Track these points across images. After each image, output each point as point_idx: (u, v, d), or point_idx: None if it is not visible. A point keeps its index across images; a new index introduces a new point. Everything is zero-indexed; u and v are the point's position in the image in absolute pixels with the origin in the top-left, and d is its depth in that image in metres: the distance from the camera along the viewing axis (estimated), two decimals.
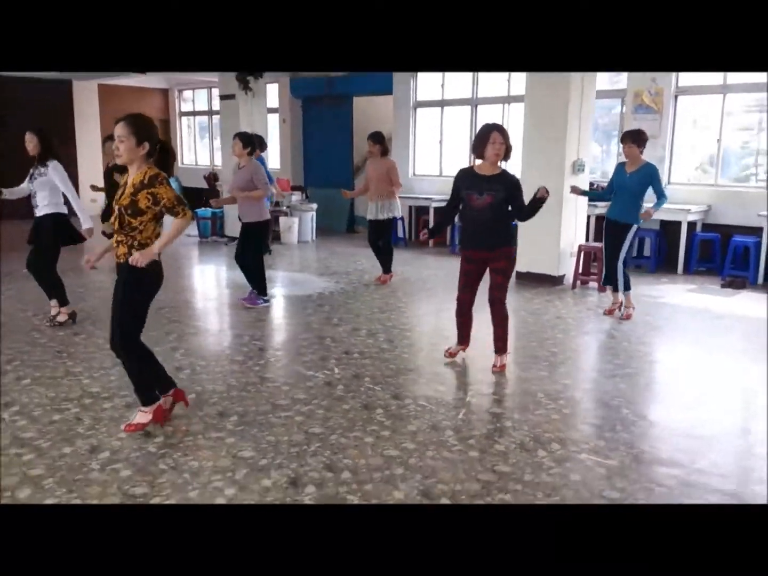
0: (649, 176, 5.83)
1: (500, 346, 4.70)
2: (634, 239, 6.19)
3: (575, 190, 6.39)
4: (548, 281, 7.47)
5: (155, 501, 2.91)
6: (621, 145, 6.04)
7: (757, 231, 7.72)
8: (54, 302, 5.71)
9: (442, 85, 10.93)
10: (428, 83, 11.14)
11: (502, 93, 10.29)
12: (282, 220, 10.75)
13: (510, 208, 4.50)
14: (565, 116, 7.19)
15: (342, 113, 12.27)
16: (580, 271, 7.48)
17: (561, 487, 3.06)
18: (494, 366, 4.68)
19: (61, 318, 5.70)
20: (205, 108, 15.58)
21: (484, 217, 4.44)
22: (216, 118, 15.43)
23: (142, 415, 3.57)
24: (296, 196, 11.52)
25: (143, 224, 3.38)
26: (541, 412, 3.95)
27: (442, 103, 11.00)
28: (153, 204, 3.33)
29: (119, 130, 3.29)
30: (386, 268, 7.58)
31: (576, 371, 4.88)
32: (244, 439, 3.52)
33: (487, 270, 4.61)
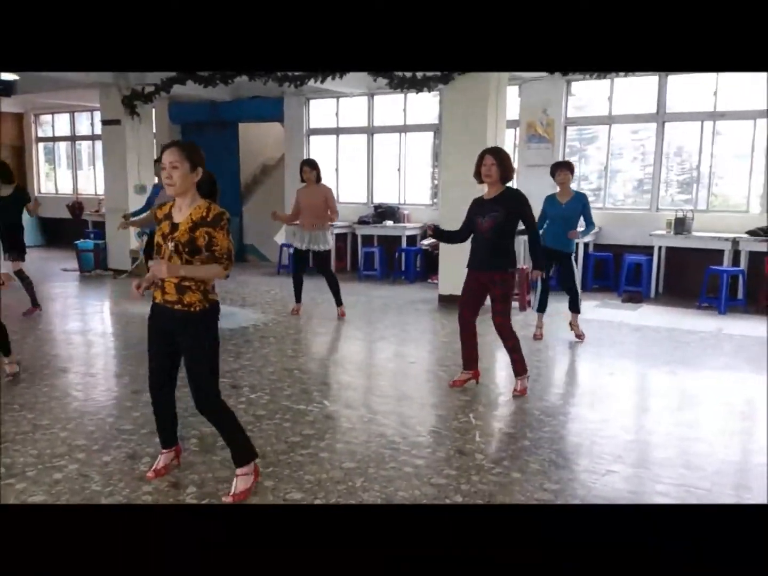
0: (583, 205, 6.10)
1: (518, 369, 4.70)
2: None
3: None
4: None
5: None
6: (554, 176, 6.19)
7: (647, 249, 8.45)
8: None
9: (336, 113, 10.98)
10: (321, 110, 11.13)
11: (398, 122, 10.50)
12: None
13: (522, 221, 4.64)
14: (483, 142, 7.46)
15: (227, 139, 11.91)
16: None
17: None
18: (515, 390, 4.68)
19: (10, 369, 4.91)
20: (67, 133, 14.47)
21: (485, 240, 4.58)
22: (80, 144, 14.42)
23: (246, 479, 3.14)
24: None
25: (203, 264, 2.99)
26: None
27: (337, 131, 11.03)
28: (206, 245, 2.96)
29: (171, 156, 2.93)
30: (338, 299, 7.21)
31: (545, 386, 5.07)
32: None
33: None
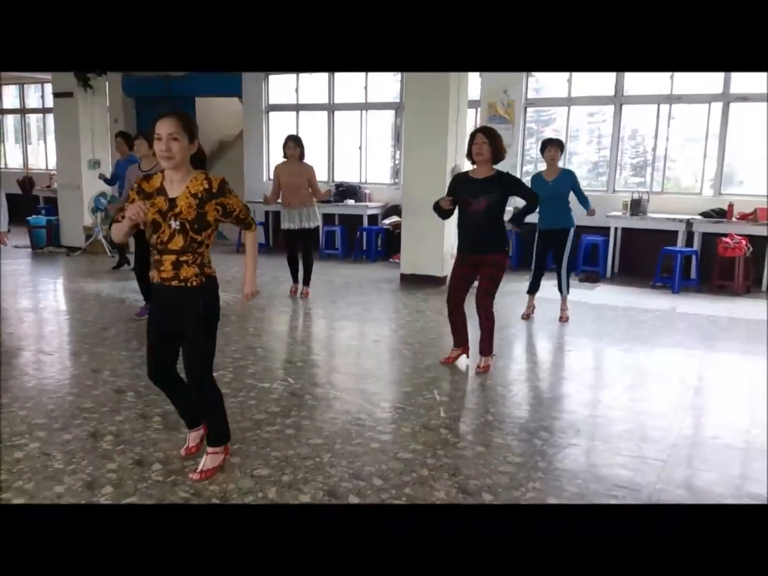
0: (573, 181, 6.05)
1: (484, 348, 4.74)
2: (573, 242, 6.24)
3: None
4: (432, 282, 7.72)
5: None
6: (543, 153, 6.09)
7: (603, 230, 8.61)
8: None
9: (297, 89, 10.83)
10: (281, 86, 10.97)
11: (360, 99, 10.43)
12: None
13: (522, 198, 4.63)
14: (445, 123, 7.50)
15: None
16: None
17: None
18: (478, 366, 4.71)
19: None
20: (16, 106, 13.96)
21: (479, 221, 4.48)
22: (30, 117, 13.94)
23: (215, 457, 3.13)
24: None
25: (208, 238, 2.91)
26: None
27: (297, 107, 10.89)
28: (222, 215, 2.90)
29: (170, 126, 2.76)
30: (307, 279, 7.14)
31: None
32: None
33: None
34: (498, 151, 4.48)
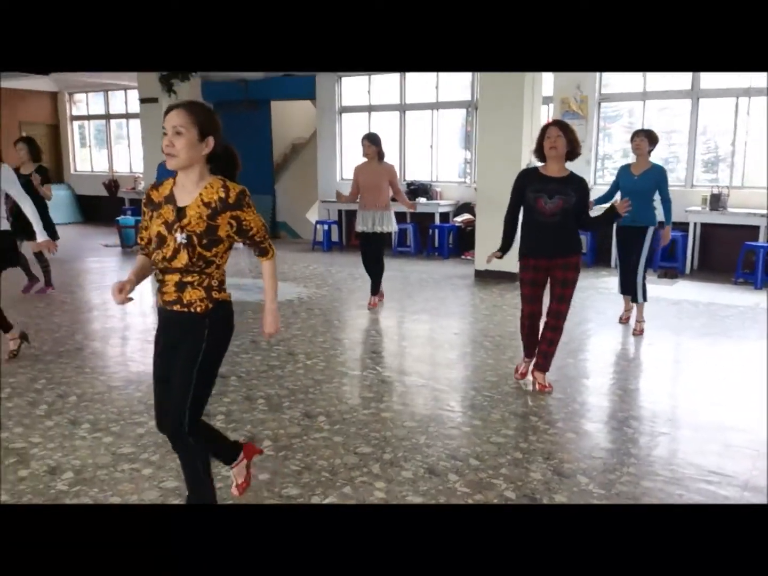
0: (660, 179, 5.53)
1: (543, 362, 4.28)
2: (653, 242, 5.70)
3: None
4: (508, 278, 7.80)
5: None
6: (631, 142, 5.67)
7: (682, 225, 8.51)
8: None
9: (369, 91, 11.07)
10: (354, 88, 11.23)
11: (430, 99, 10.58)
12: None
13: (575, 215, 4.10)
14: (519, 120, 7.58)
15: (259, 118, 12.06)
16: None
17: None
18: (535, 385, 4.29)
19: (13, 345, 4.81)
20: (102, 111, 14.70)
21: (553, 223, 4.04)
22: (115, 122, 14.64)
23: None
24: None
25: (219, 257, 2.43)
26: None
27: (369, 108, 11.13)
28: (236, 233, 2.42)
29: (175, 118, 2.34)
30: (375, 288, 6.66)
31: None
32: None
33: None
34: (574, 147, 4.05)
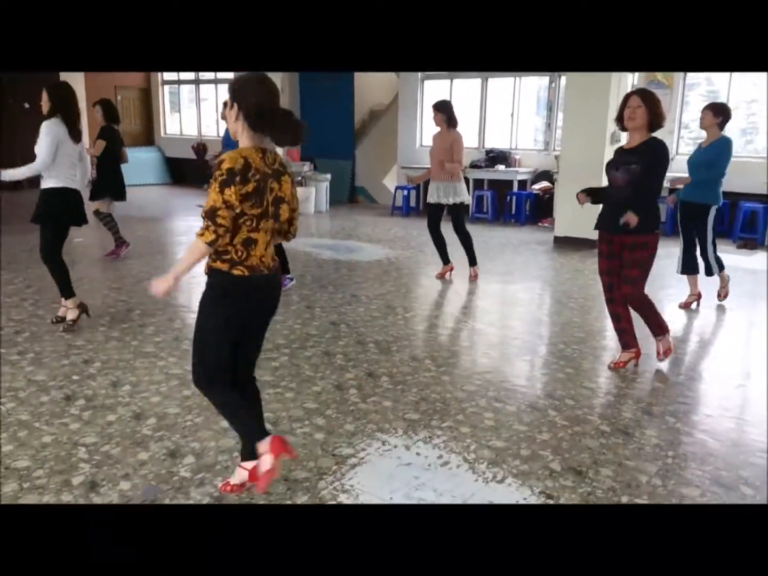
0: (720, 151, 5.30)
1: (656, 330, 4.18)
2: (716, 222, 5.53)
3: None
4: (587, 245, 8.05)
5: None
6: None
7: (763, 197, 8.55)
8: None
9: None
10: None
11: None
12: (299, 190, 10.94)
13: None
14: (606, 89, 7.75)
15: (342, 86, 12.43)
16: None
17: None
18: (658, 353, 4.23)
19: (71, 315, 4.71)
20: (192, 77, 15.36)
21: (621, 196, 3.88)
22: (204, 87, 15.28)
23: (241, 472, 2.73)
24: (307, 167, 11.70)
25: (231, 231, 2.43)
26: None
27: (451, 76, 11.37)
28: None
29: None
30: (471, 259, 6.50)
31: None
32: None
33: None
34: (656, 117, 3.80)
